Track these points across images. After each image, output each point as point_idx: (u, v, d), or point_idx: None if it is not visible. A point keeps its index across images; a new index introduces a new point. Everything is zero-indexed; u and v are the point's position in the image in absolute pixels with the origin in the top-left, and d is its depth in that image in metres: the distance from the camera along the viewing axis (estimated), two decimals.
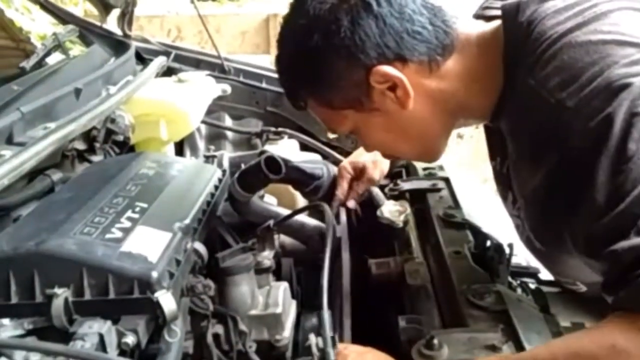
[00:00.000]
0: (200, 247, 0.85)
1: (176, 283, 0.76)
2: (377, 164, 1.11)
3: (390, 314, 0.78)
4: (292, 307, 1.00)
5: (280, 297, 0.94)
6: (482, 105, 0.77)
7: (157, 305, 0.71)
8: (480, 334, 0.70)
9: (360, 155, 1.14)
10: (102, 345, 0.67)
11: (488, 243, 0.95)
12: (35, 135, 0.89)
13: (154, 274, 0.72)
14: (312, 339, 0.71)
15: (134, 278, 0.72)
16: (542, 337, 0.72)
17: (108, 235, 0.77)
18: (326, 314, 0.73)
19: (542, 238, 0.74)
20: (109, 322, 0.69)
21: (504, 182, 0.83)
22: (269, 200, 1.20)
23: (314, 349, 0.70)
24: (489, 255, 0.92)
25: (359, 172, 1.12)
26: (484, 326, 0.73)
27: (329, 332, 0.71)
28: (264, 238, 1.01)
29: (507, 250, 0.93)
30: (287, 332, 0.92)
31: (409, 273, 0.83)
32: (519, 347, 0.69)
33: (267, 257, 1.02)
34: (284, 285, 0.99)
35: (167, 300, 0.72)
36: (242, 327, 0.87)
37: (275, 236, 1.07)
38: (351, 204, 1.08)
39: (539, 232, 0.74)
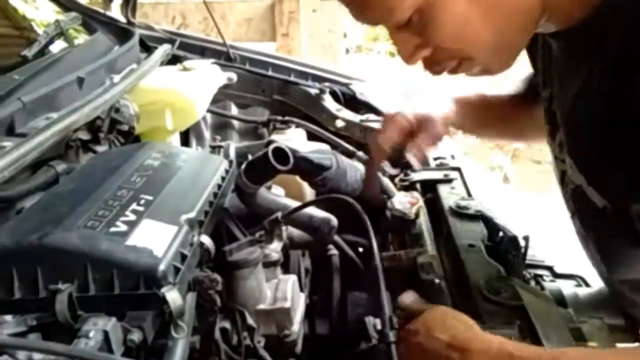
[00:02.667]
0: (206, 240, 0.83)
1: (182, 278, 0.74)
2: (446, 119, 0.93)
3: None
4: (301, 301, 0.98)
5: (288, 291, 0.92)
6: (572, 8, 0.65)
7: (163, 300, 0.69)
8: (496, 330, 0.68)
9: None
10: (107, 342, 0.65)
11: (502, 235, 0.93)
12: (36, 125, 0.87)
13: (160, 269, 0.70)
14: (370, 320, 0.71)
15: (140, 273, 0.70)
16: (559, 333, 0.70)
17: (113, 229, 0.75)
18: (384, 293, 0.73)
19: (600, 185, 0.68)
20: (114, 319, 0.67)
21: (554, 120, 0.78)
22: (277, 192, 1.17)
23: (372, 332, 0.70)
24: (504, 248, 0.90)
25: (420, 124, 0.91)
26: (500, 322, 0.71)
27: (388, 311, 0.71)
28: (271, 230, 0.99)
29: (522, 243, 0.90)
30: (296, 327, 0.90)
31: (421, 267, 0.81)
32: (537, 343, 0.67)
33: (275, 249, 1.00)
34: (292, 279, 0.97)
35: (173, 296, 0.70)
36: (250, 321, 0.86)
37: (284, 228, 1.05)
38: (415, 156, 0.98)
39: (594, 175, 0.68)
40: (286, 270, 1.16)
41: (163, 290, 0.70)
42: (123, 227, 0.76)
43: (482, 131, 1.14)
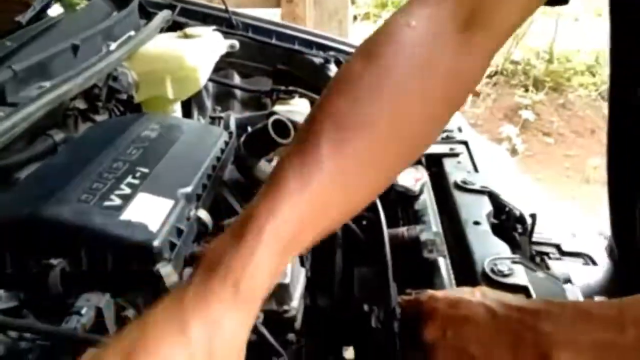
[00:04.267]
0: (204, 215, 0.81)
1: (178, 253, 0.73)
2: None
3: (404, 289, 0.73)
4: (301, 275, 0.96)
5: (288, 267, 0.90)
6: None
7: (158, 277, 0.68)
8: None
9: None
10: (100, 319, 0.64)
11: (509, 212, 0.90)
12: (28, 95, 0.84)
13: (155, 245, 0.69)
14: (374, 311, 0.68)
15: (134, 249, 0.68)
16: None
17: (107, 203, 0.73)
18: (392, 285, 0.68)
19: None
20: (107, 295, 0.65)
21: None
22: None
23: (374, 323, 0.66)
24: (510, 226, 0.87)
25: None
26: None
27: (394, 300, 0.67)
28: None
29: (529, 221, 0.88)
30: (296, 302, 0.88)
31: (424, 245, 0.79)
32: None
33: None
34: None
35: (168, 272, 0.68)
36: None
37: None
38: None
39: None
40: None
41: (158, 266, 0.68)
42: (117, 201, 0.74)
43: None
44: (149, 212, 0.73)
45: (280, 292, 0.87)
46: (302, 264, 1.16)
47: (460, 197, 0.93)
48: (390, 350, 0.62)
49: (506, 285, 0.71)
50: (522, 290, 0.71)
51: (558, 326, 0.54)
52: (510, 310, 0.58)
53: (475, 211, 0.90)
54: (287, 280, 0.87)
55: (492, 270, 0.73)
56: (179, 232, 0.75)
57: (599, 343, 0.52)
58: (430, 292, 0.66)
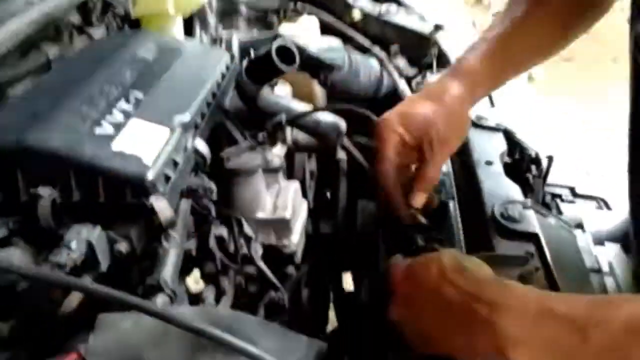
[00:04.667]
0: (202, 145, 0.77)
1: (174, 186, 0.70)
2: (452, 124, 0.75)
3: (406, 231, 0.70)
4: (303, 208, 0.94)
5: (289, 200, 0.87)
6: None
7: (151, 211, 0.65)
8: (504, 260, 0.63)
9: (418, 104, 0.77)
10: (92, 253, 0.62)
11: (524, 153, 0.85)
12: (13, 10, 0.78)
13: (148, 178, 0.65)
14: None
15: (126, 181, 0.65)
16: (573, 265, 0.65)
17: (98, 131, 0.69)
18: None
19: None
20: (98, 228, 0.63)
21: None
22: (282, 90, 1.09)
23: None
24: (524, 167, 0.83)
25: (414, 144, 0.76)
26: (512, 250, 0.66)
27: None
28: (274, 134, 0.92)
29: (544, 163, 0.83)
30: (296, 237, 0.87)
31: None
32: (549, 277, 0.62)
33: (277, 155, 0.94)
34: (294, 186, 0.92)
35: (162, 206, 0.66)
36: (248, 230, 0.82)
37: (288, 131, 0.98)
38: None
39: None
40: (290, 173, 1.12)
41: (151, 200, 0.65)
42: (109, 129, 0.70)
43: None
44: (142, 142, 0.69)
45: (281, 227, 0.85)
46: (305, 195, 1.15)
47: (473, 134, 0.88)
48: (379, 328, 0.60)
49: (516, 232, 0.68)
50: (532, 237, 0.67)
51: (517, 321, 0.50)
52: (465, 299, 0.54)
53: (488, 150, 0.85)
54: (287, 215, 0.85)
55: (502, 215, 0.70)
56: (175, 163, 0.71)
57: (559, 346, 0.48)
58: (395, 263, 0.63)
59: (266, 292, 0.82)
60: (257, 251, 0.82)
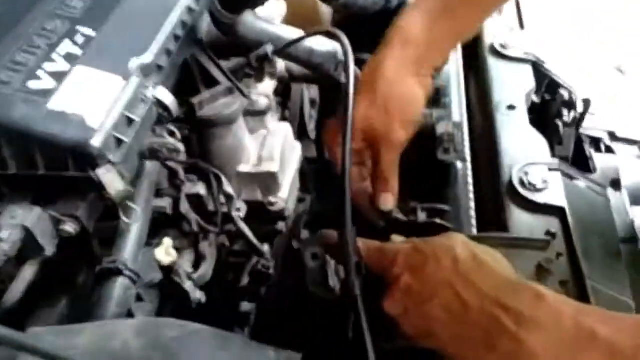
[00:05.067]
0: (165, 95, 0.64)
1: (129, 151, 0.59)
2: (391, 113, 0.62)
3: (406, 199, 0.59)
4: (294, 156, 0.82)
5: (277, 149, 0.76)
6: None
7: (99, 185, 0.55)
8: (523, 245, 0.52)
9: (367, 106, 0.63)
10: (31, 238, 0.53)
11: (556, 90, 0.71)
12: None
13: (93, 145, 0.54)
14: (332, 266, 0.53)
15: (67, 150, 0.54)
16: (603, 248, 0.54)
17: (32, 84, 0.57)
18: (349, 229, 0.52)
19: None
20: (36, 209, 0.54)
21: None
22: (276, 10, 0.93)
23: (332, 281, 0.52)
24: (555, 111, 0.69)
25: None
26: (530, 227, 0.55)
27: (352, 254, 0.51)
28: (260, 68, 0.79)
29: (579, 107, 0.69)
30: (285, 191, 0.76)
31: (439, 140, 0.62)
32: (574, 265, 0.52)
33: (264, 93, 0.81)
34: (284, 131, 0.80)
35: (111, 179, 0.55)
36: (228, 189, 0.72)
37: (279, 62, 0.84)
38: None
39: None
40: (285, 107, 0.99)
41: (98, 172, 0.55)
42: (47, 81, 0.58)
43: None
44: (88, 96, 0.58)
45: (267, 182, 0.75)
46: (306, 130, 1.03)
47: (495, 67, 0.73)
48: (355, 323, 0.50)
49: (537, 205, 0.56)
50: (557, 211, 0.56)
51: (550, 342, 0.41)
52: (485, 303, 0.45)
53: (512, 89, 0.71)
54: (274, 168, 0.74)
55: (522, 182, 0.58)
56: (130, 122, 0.59)
57: None
58: (394, 245, 0.53)
59: (249, 259, 0.74)
60: (241, 210, 0.73)
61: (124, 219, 0.59)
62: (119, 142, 0.57)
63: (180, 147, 0.63)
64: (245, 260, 0.77)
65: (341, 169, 0.54)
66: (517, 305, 0.43)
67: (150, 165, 0.66)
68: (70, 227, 0.55)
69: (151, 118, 0.63)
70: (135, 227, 0.60)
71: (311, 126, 1.13)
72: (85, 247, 0.60)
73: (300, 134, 1.09)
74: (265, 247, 0.77)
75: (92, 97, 0.58)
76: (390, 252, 0.53)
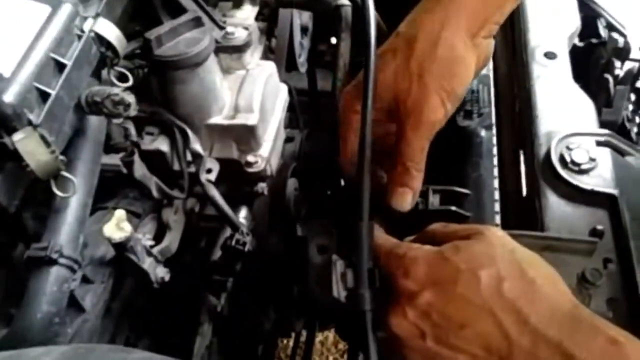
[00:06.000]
0: (108, 29, 0.50)
1: (58, 108, 0.45)
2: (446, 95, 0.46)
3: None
4: (279, 102, 0.69)
5: (256, 97, 0.62)
6: None
7: (15, 154, 0.42)
8: (560, 247, 0.40)
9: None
10: None
11: (608, 34, 0.57)
12: None
13: (6, 100, 0.41)
14: (338, 268, 0.41)
15: None
16: None
17: None
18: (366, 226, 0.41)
19: None
20: None
21: None
22: None
23: (336, 290, 0.41)
24: (605, 61, 0.55)
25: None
26: (569, 222, 0.43)
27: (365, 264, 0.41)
28: None
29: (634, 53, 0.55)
30: (266, 149, 0.64)
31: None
32: (626, 275, 0.41)
33: (243, 23, 0.66)
34: (266, 71, 0.66)
35: (32, 148, 0.42)
36: (196, 145, 0.59)
37: None
38: None
39: None
40: (271, 34, 0.84)
41: (14, 138, 0.42)
42: None
43: None
44: (4, 35, 0.44)
45: (244, 136, 0.62)
46: (292, 64, 0.89)
47: (531, 5, 0.57)
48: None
49: (582, 193, 0.44)
50: (606, 201, 0.44)
51: None
52: (540, 345, 0.34)
53: (551, 30, 0.56)
54: (251, 121, 0.61)
55: (563, 160, 0.46)
56: (59, 67, 0.45)
57: None
58: (412, 247, 0.42)
59: (222, 229, 0.63)
60: (212, 171, 0.60)
61: (57, 192, 0.46)
62: (43, 95, 0.44)
63: (130, 98, 0.49)
64: (220, 226, 0.66)
65: (359, 147, 0.42)
66: (585, 356, 0.33)
67: (94, 119, 0.52)
68: None
69: (90, 60, 0.49)
70: (73, 200, 0.48)
71: (302, 58, 0.98)
72: (14, 226, 0.49)
73: (289, 67, 0.95)
74: (243, 212, 0.66)
75: (6, 33, 0.44)
76: (405, 257, 0.41)
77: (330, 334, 1.59)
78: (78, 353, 0.35)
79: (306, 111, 1.03)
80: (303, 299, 0.76)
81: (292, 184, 0.77)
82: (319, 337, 1.56)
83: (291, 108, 0.78)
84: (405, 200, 0.47)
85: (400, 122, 0.47)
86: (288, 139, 0.76)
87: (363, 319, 0.39)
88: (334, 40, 1.18)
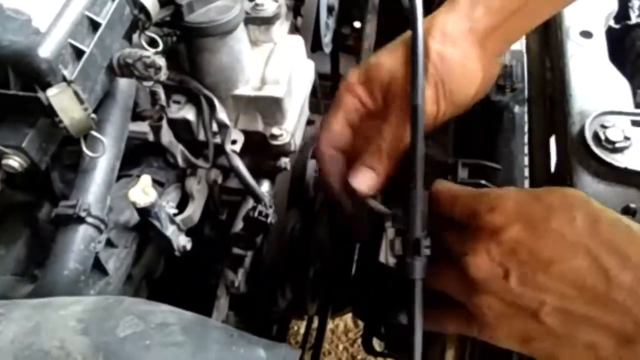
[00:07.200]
0: None
1: (91, 66, 0.45)
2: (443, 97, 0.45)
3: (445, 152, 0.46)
4: (306, 77, 0.68)
5: (284, 70, 0.62)
6: None
7: (49, 109, 0.42)
8: None
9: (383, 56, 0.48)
10: None
11: None
12: None
13: (42, 55, 0.41)
14: (389, 235, 0.41)
15: (7, 59, 0.41)
16: None
17: None
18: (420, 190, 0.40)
19: None
20: None
21: None
22: None
23: (385, 255, 0.40)
24: (638, 39, 0.54)
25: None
26: (601, 200, 0.42)
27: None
28: None
29: None
30: (291, 123, 0.63)
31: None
32: None
33: None
34: (294, 45, 0.66)
35: (66, 104, 0.42)
36: (222, 115, 0.59)
37: None
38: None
39: None
40: (297, 13, 0.83)
41: (48, 93, 0.42)
42: None
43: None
44: None
45: (271, 109, 0.62)
46: (317, 43, 0.88)
47: None
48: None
49: (615, 171, 0.43)
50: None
51: None
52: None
53: (587, 10, 0.55)
54: (278, 93, 0.61)
55: (597, 137, 0.45)
56: (93, 26, 0.45)
57: None
58: (494, 190, 0.40)
59: (246, 199, 0.63)
60: (237, 142, 0.60)
61: (87, 152, 0.46)
62: (77, 52, 0.44)
63: (161, 61, 0.49)
64: (242, 199, 0.66)
65: (411, 112, 0.41)
66: None
67: (124, 82, 0.52)
68: (14, 162, 0.43)
69: (123, 22, 0.49)
70: (102, 161, 0.49)
71: (327, 38, 0.98)
72: (42, 183, 0.49)
73: (314, 47, 0.95)
74: (265, 186, 0.66)
75: None
76: (488, 197, 0.39)
77: (341, 322, 1.59)
78: (108, 303, 0.35)
79: (327, 96, 1.03)
80: (318, 280, 0.76)
81: (312, 165, 0.77)
82: (330, 324, 1.57)
83: (313, 92, 0.78)
84: (364, 181, 0.46)
85: (388, 106, 0.46)
86: (309, 122, 0.76)
87: (412, 286, 0.39)
88: (357, 24, 1.19)
